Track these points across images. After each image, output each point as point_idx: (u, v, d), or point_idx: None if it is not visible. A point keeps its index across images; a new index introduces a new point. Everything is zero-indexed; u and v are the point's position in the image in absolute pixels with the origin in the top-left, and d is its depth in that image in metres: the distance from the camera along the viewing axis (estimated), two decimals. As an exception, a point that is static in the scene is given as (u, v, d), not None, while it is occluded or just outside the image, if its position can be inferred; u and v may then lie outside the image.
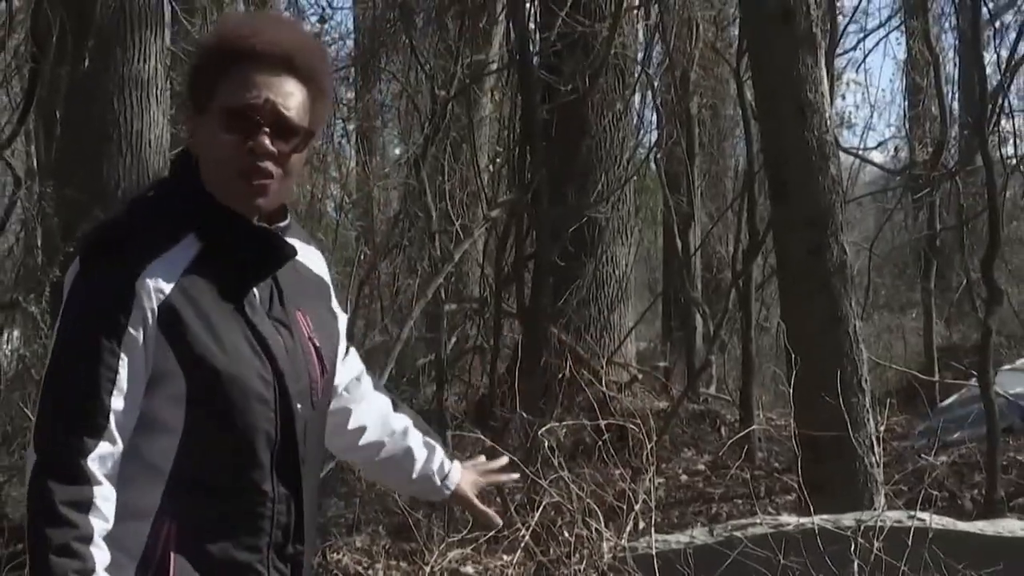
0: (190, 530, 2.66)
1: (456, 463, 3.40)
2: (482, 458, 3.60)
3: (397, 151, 18.16)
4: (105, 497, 2.57)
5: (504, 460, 3.60)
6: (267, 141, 2.68)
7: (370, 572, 7.79)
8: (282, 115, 2.70)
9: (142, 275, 2.60)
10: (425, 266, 11.89)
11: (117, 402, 2.58)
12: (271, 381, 2.72)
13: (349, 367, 3.19)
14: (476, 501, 3.44)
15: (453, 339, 12.04)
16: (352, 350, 3.23)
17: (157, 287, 2.60)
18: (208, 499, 2.68)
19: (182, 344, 2.62)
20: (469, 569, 7.55)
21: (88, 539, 2.54)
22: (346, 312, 3.17)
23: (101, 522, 2.56)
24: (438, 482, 3.33)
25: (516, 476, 3.68)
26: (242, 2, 14.24)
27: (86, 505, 2.54)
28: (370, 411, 3.24)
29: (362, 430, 3.23)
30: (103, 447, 2.57)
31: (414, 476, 3.31)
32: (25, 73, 10.14)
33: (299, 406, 2.77)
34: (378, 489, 8.98)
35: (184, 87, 2.78)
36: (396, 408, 3.31)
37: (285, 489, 2.76)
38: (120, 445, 2.60)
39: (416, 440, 3.30)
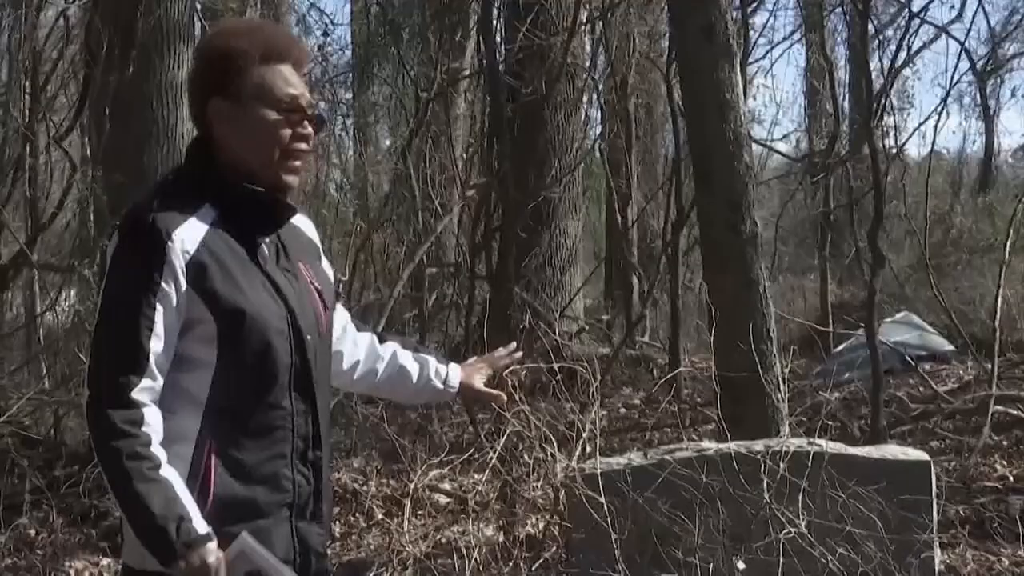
0: (226, 445, 2.69)
1: (454, 365, 3.37)
2: (499, 350, 3.54)
3: (387, 142, 18.10)
4: (153, 416, 2.60)
5: (512, 346, 3.56)
6: (310, 127, 2.77)
7: (365, 488, 7.77)
8: (314, 107, 2.79)
9: (170, 239, 2.62)
10: (411, 237, 11.85)
11: (156, 345, 2.61)
12: (285, 316, 2.75)
13: (337, 321, 3.18)
14: (481, 388, 3.40)
15: (433, 297, 12.04)
16: (339, 305, 3.23)
17: (183, 248, 2.63)
18: (239, 418, 2.71)
19: (210, 293, 2.65)
20: (446, 486, 7.55)
21: (148, 443, 2.57)
22: (345, 276, 3.16)
23: (154, 434, 2.59)
24: (440, 385, 3.31)
25: (520, 355, 3.54)
26: (259, 18, 14.11)
27: (139, 422, 2.58)
28: (358, 349, 3.24)
29: (355, 365, 3.24)
30: (145, 382, 2.60)
31: (415, 387, 3.30)
32: (80, 78, 10.07)
33: (309, 337, 2.80)
34: (371, 419, 8.96)
35: (211, 80, 2.75)
36: (382, 341, 3.30)
37: (303, 404, 2.79)
38: (160, 380, 2.63)
39: (406, 358, 3.29)
